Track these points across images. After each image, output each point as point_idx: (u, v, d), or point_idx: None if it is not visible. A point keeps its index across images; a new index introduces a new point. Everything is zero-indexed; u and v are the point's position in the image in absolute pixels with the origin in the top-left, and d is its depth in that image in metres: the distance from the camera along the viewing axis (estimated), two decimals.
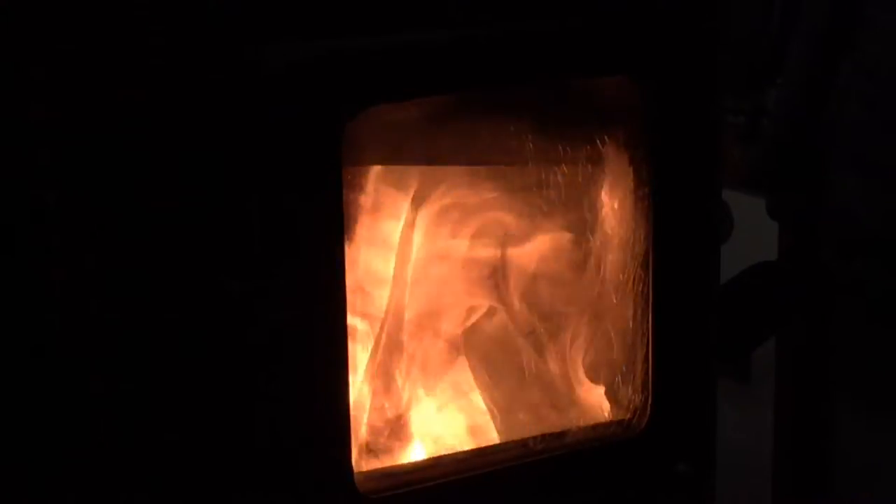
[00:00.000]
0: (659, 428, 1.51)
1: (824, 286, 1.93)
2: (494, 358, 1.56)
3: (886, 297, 1.85)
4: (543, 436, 1.48)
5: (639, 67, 1.45)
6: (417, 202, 1.50)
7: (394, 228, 1.49)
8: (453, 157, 1.49)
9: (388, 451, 1.51)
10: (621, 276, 1.51)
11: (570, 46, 1.42)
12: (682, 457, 1.53)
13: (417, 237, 1.50)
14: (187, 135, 1.28)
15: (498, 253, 1.54)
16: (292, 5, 1.31)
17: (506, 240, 1.54)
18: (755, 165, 2.03)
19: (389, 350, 1.52)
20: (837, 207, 1.87)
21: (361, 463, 1.45)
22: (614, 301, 1.52)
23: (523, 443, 1.48)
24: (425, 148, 1.46)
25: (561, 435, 1.49)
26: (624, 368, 1.52)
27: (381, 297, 1.51)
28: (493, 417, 1.56)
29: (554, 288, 1.55)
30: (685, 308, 1.51)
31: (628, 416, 1.52)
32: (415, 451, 1.53)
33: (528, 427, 1.52)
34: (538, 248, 1.55)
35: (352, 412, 1.35)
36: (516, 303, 1.55)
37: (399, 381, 1.53)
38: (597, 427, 1.52)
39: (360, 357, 1.49)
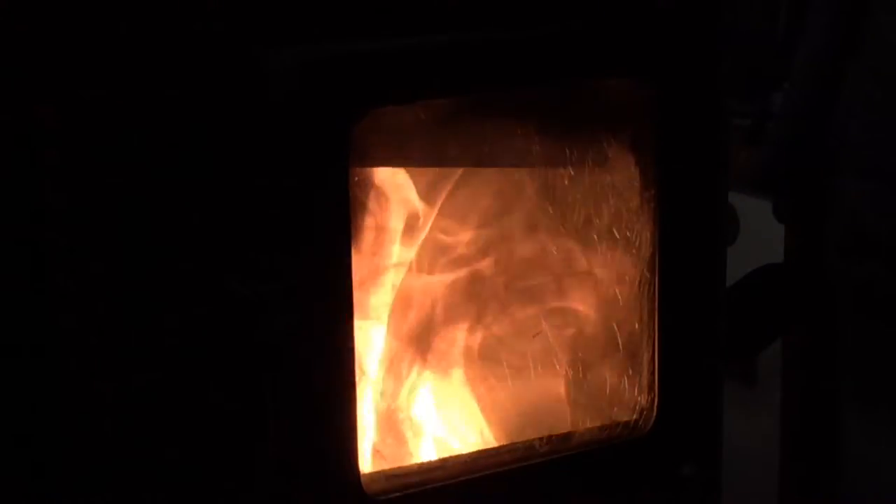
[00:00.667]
0: (665, 430, 1.51)
1: (830, 289, 1.93)
2: (501, 360, 1.56)
3: (892, 300, 1.85)
4: (549, 437, 1.48)
5: (644, 69, 1.45)
6: (424, 203, 1.50)
7: (400, 229, 1.50)
8: (460, 158, 1.49)
9: (395, 452, 1.51)
10: (627, 277, 1.51)
11: (574, 49, 1.42)
12: (688, 459, 1.53)
13: (423, 238, 1.51)
14: (194, 136, 1.29)
15: (504, 254, 1.54)
16: (301, 8, 1.31)
17: (511, 241, 1.54)
18: (761, 168, 2.03)
19: (397, 351, 1.52)
20: (843, 210, 1.87)
21: (368, 464, 1.45)
22: (621, 303, 1.52)
23: (529, 444, 1.48)
24: (432, 150, 1.46)
25: (567, 436, 1.50)
26: (630, 370, 1.52)
27: (389, 298, 1.51)
28: (500, 419, 1.56)
29: (560, 289, 1.56)
30: (691, 310, 1.51)
31: (634, 417, 1.52)
32: (422, 453, 1.53)
33: (534, 429, 1.52)
34: (544, 250, 1.55)
35: (359, 413, 1.35)
36: (522, 304, 1.56)
37: (406, 382, 1.54)
38: (603, 429, 1.52)
39: (367, 359, 1.49)
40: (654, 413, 1.51)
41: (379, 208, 1.47)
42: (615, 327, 1.53)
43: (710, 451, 1.56)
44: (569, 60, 1.42)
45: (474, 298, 1.55)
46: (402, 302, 1.51)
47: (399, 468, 1.45)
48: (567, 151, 1.50)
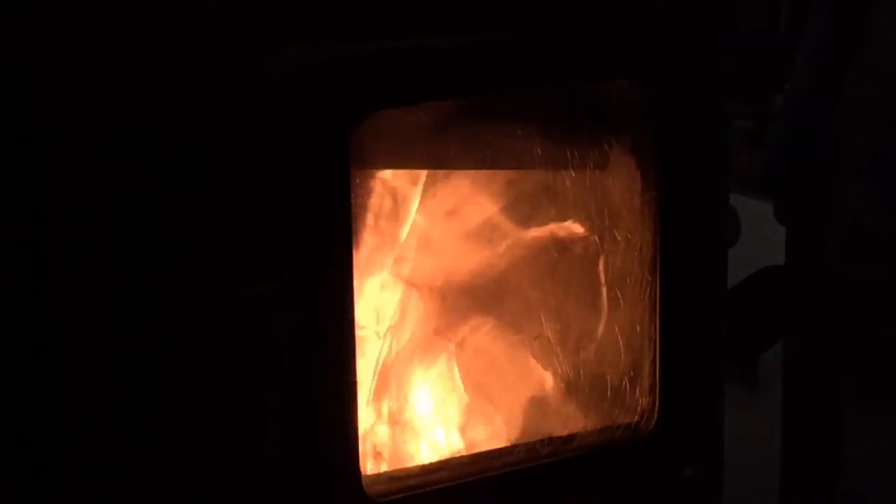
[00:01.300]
0: (666, 431, 1.51)
1: (831, 290, 1.93)
2: (501, 362, 1.56)
3: (892, 300, 1.85)
4: (551, 439, 1.48)
5: (644, 71, 1.45)
6: (425, 205, 1.50)
7: (401, 232, 1.49)
8: (461, 160, 1.49)
9: (395, 454, 1.51)
10: (629, 279, 1.51)
11: (574, 50, 1.42)
12: (689, 460, 1.53)
13: (424, 240, 1.51)
14: (195, 137, 1.29)
15: (504, 256, 1.54)
16: (302, 9, 1.31)
17: (512, 243, 1.54)
18: (762, 170, 2.03)
19: (397, 353, 1.52)
20: (843, 210, 1.87)
21: (369, 466, 1.45)
22: (622, 305, 1.52)
23: (531, 446, 1.48)
24: (433, 151, 1.46)
25: (568, 438, 1.50)
26: (631, 372, 1.52)
27: (389, 301, 1.51)
28: (501, 421, 1.56)
29: (561, 292, 1.56)
30: (693, 312, 1.51)
31: (636, 419, 1.52)
32: (422, 455, 1.53)
33: (536, 430, 1.52)
34: (544, 251, 1.55)
35: (360, 415, 1.35)
36: (523, 307, 1.55)
37: (407, 384, 1.53)
38: (604, 430, 1.52)
39: (368, 360, 1.49)
40: (656, 415, 1.51)
41: (379, 209, 1.47)
42: (616, 329, 1.53)
43: (712, 452, 1.56)
44: (569, 62, 1.42)
45: (476, 298, 1.54)
46: (403, 302, 1.51)
47: (400, 470, 1.45)
48: (568, 153, 1.50)
